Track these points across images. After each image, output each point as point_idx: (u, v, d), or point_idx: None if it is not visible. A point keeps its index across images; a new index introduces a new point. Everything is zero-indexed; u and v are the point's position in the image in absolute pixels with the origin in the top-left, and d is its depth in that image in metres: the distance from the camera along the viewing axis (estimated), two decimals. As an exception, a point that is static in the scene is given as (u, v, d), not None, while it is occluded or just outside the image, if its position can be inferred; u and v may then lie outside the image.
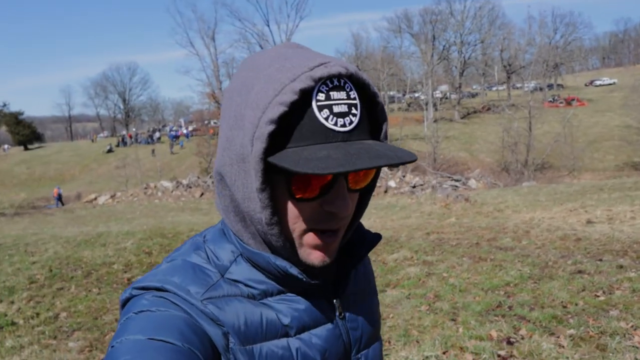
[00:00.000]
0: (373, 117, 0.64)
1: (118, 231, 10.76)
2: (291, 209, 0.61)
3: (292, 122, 0.56)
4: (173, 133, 55.09)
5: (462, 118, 50.29)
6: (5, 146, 62.26)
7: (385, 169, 22.15)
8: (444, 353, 3.50)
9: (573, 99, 50.63)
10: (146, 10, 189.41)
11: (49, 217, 19.69)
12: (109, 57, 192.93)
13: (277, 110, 0.55)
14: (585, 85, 66.21)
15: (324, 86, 0.57)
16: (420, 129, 43.24)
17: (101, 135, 71.64)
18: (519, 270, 5.55)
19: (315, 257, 0.64)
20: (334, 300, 0.73)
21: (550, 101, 50.53)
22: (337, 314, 0.72)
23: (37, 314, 5.25)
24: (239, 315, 0.63)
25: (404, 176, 22.01)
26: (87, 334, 4.66)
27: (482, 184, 22.52)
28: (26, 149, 59.78)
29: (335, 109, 0.57)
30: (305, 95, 0.56)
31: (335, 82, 0.57)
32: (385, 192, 20.08)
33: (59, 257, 8.06)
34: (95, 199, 25.53)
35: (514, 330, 3.84)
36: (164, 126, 70.11)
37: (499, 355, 3.41)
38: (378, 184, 19.95)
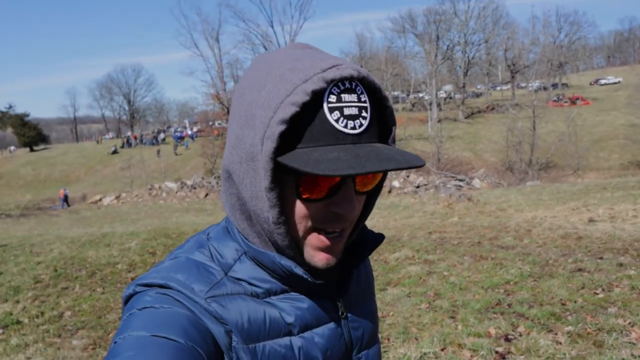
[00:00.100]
0: (382, 120, 0.64)
1: (122, 232, 10.85)
2: (298, 209, 0.61)
3: (303, 123, 0.57)
4: (178, 134, 55.31)
5: (466, 118, 50.19)
6: (12, 148, 62.73)
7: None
8: (442, 350, 3.53)
9: (577, 98, 50.42)
10: (150, 12, 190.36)
11: (54, 218, 19.85)
12: (114, 58, 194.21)
13: (288, 110, 0.55)
14: (590, 84, 65.92)
15: (335, 88, 0.57)
16: (424, 129, 43.20)
17: (106, 136, 72.07)
18: (519, 268, 5.57)
19: (319, 259, 0.64)
20: (337, 300, 0.73)
21: (555, 100, 50.35)
22: (340, 313, 0.73)
23: (42, 313, 5.33)
24: (242, 313, 0.63)
25: (407, 176, 22.03)
26: (91, 332, 4.72)
27: (486, 184, 22.49)
28: (32, 150, 60.20)
29: (346, 111, 0.57)
30: (317, 97, 0.56)
31: (347, 85, 0.57)
32: (389, 192, 20.10)
33: (64, 258, 8.15)
34: (100, 200, 25.70)
35: (513, 328, 3.86)
36: (168, 127, 70.42)
37: (496, 352, 3.44)
38: (381, 184, 19.89)
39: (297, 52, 0.62)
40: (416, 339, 3.77)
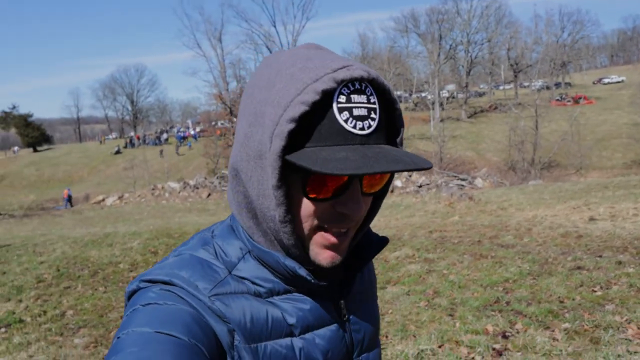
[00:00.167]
0: (391, 122, 0.64)
1: (125, 232, 10.92)
2: (304, 208, 0.61)
3: (312, 122, 0.57)
4: (181, 134, 55.43)
5: (469, 117, 50.11)
6: (15, 148, 63.01)
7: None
8: (439, 347, 3.56)
9: (580, 97, 50.26)
10: (153, 12, 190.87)
11: (57, 219, 19.95)
12: (117, 59, 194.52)
13: (298, 109, 0.55)
14: (594, 83, 65.72)
15: (345, 89, 0.57)
16: (427, 129, 43.15)
17: (109, 136, 72.28)
18: (518, 267, 5.59)
19: (324, 258, 0.64)
20: (340, 302, 0.73)
21: (558, 100, 50.21)
22: (342, 315, 0.73)
23: (44, 312, 5.38)
24: (245, 312, 0.63)
25: (410, 176, 22.02)
26: (93, 330, 4.77)
27: (489, 183, 22.45)
28: (35, 150, 60.44)
29: (355, 112, 0.57)
30: (327, 97, 0.56)
31: (357, 86, 0.58)
32: (392, 191, 20.10)
33: (67, 257, 8.21)
34: (103, 200, 25.80)
35: (510, 325, 3.89)
36: (171, 127, 70.54)
37: (493, 349, 3.47)
38: (383, 184, 19.87)
39: (308, 52, 0.63)
40: (414, 336, 3.79)
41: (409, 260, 6.40)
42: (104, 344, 4.36)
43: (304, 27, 51.48)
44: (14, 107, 64.01)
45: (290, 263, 0.64)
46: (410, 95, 61.24)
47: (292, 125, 0.56)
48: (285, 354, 0.65)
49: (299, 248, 0.63)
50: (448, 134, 35.55)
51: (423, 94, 56.53)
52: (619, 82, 62.45)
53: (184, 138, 53.40)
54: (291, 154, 0.57)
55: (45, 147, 63.43)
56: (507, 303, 4.44)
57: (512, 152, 36.41)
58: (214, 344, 0.60)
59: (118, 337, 0.57)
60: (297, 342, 0.66)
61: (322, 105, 0.56)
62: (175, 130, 63.21)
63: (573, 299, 4.37)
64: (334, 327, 0.71)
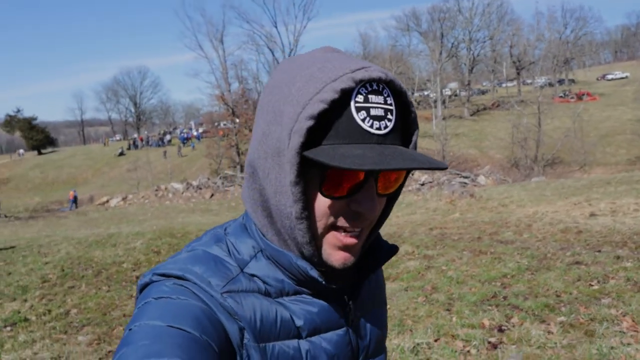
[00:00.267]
0: (405, 125, 0.65)
1: (128, 232, 11.02)
2: (320, 206, 0.62)
3: (330, 120, 0.57)
4: (184, 135, 55.62)
5: (471, 115, 50.02)
6: (21, 151, 63.42)
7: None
8: (435, 340, 3.61)
9: (584, 94, 50.07)
10: (155, 14, 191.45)
11: (62, 220, 20.10)
12: (120, 61, 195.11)
13: (317, 107, 0.56)
14: (597, 79, 65.36)
15: (363, 89, 0.58)
16: (429, 127, 43.13)
17: (113, 138, 72.62)
18: (517, 262, 5.62)
19: (336, 259, 0.64)
20: (347, 307, 0.73)
21: (561, 96, 50.05)
22: (349, 320, 0.73)
23: (49, 311, 5.46)
24: (255, 311, 0.63)
25: (412, 174, 22.04)
26: (96, 328, 4.84)
27: (491, 181, 22.44)
28: (40, 153, 60.79)
29: (372, 112, 0.58)
30: (345, 95, 0.57)
31: (374, 86, 0.59)
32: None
33: (71, 258, 8.31)
34: (108, 201, 25.97)
35: (506, 319, 3.93)
36: (174, 129, 70.81)
37: (489, 342, 3.51)
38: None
39: (326, 55, 0.64)
40: (411, 330, 3.85)
41: (409, 257, 6.45)
42: (107, 341, 4.43)
43: (305, 27, 51.54)
44: (18, 111, 64.50)
45: (303, 264, 0.64)
46: (412, 93, 61.09)
47: (310, 123, 0.56)
48: (292, 355, 0.65)
49: (313, 246, 0.64)
50: (450, 132, 35.54)
51: (425, 93, 56.47)
52: (622, 78, 62.08)
53: (187, 139, 53.59)
54: (309, 150, 0.58)
55: (50, 149, 63.79)
56: (505, 298, 4.49)
57: (515, 150, 36.34)
58: (224, 340, 0.60)
59: (130, 329, 0.58)
60: (304, 344, 0.67)
61: (340, 104, 0.57)
62: (178, 131, 63.45)
63: (570, 293, 4.41)
64: (341, 331, 0.71)
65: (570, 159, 35.28)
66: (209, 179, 26.75)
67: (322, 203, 0.61)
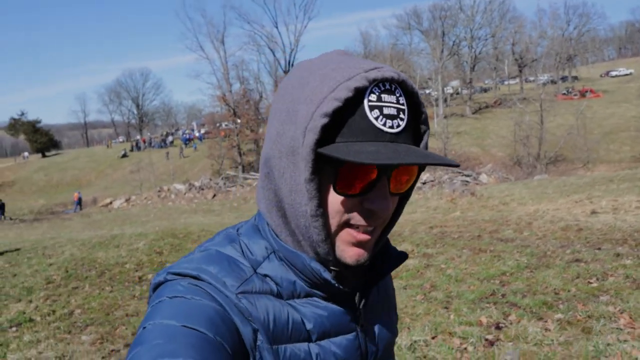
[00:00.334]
0: (416, 125, 0.66)
1: (131, 233, 11.09)
2: (334, 203, 0.62)
3: (344, 118, 0.58)
4: (186, 136, 55.75)
5: (473, 113, 49.88)
6: (25, 154, 63.76)
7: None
8: (432, 338, 3.64)
9: (587, 91, 49.86)
10: (157, 15, 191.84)
11: (66, 222, 20.22)
12: (122, 63, 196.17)
13: (331, 104, 0.57)
14: (601, 76, 65.02)
15: (376, 88, 0.59)
16: (431, 126, 42.96)
17: (116, 140, 72.88)
18: (516, 260, 5.65)
19: (350, 256, 0.64)
20: (357, 312, 0.73)
21: (564, 94, 49.84)
22: (358, 325, 0.73)
23: (53, 311, 5.53)
24: (268, 312, 0.63)
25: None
26: (99, 328, 4.90)
27: (494, 179, 22.42)
28: (44, 156, 61.09)
29: (385, 111, 0.59)
30: (359, 94, 0.58)
31: (387, 86, 0.60)
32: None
33: (75, 259, 8.39)
34: (111, 203, 26.09)
35: (504, 316, 3.96)
36: (177, 130, 70.99)
37: (486, 339, 3.55)
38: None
39: (339, 57, 0.65)
40: (408, 328, 3.88)
41: (408, 256, 6.48)
42: (109, 340, 4.49)
43: (306, 27, 51.68)
44: (22, 114, 64.86)
45: (316, 265, 0.64)
46: (415, 92, 60.86)
47: (325, 120, 0.57)
48: (303, 358, 0.65)
49: (328, 244, 0.64)
50: (452, 130, 35.48)
51: (427, 91, 56.42)
52: (627, 74, 61.71)
53: (189, 140, 53.72)
54: (323, 147, 0.59)
55: (54, 152, 64.11)
56: (503, 295, 4.51)
57: (518, 147, 36.22)
58: (237, 342, 0.60)
59: (144, 328, 0.58)
60: (314, 347, 0.67)
61: (354, 103, 0.58)
62: (180, 132, 63.59)
63: (568, 291, 4.43)
64: (350, 336, 0.71)
65: (574, 157, 35.15)
66: (211, 179, 26.84)
67: (336, 201, 0.62)
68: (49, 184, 47.81)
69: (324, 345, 0.67)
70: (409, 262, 6.02)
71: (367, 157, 0.54)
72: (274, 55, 45.61)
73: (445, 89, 51.30)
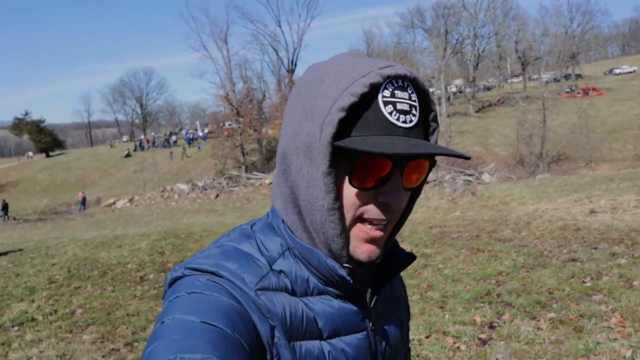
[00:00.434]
0: (426, 122, 0.68)
1: (134, 233, 11.18)
2: (349, 197, 0.63)
3: (359, 113, 0.60)
4: (189, 136, 55.89)
5: (476, 112, 49.78)
6: (29, 153, 64.11)
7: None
8: (426, 337, 3.70)
9: (590, 89, 49.65)
10: (161, 15, 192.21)
11: (70, 222, 20.36)
12: (126, 63, 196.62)
13: (348, 99, 0.59)
14: (605, 74, 64.66)
15: (390, 85, 0.61)
16: (434, 124, 42.88)
17: (120, 140, 73.15)
18: (513, 260, 5.69)
19: (362, 252, 0.66)
20: (369, 311, 0.73)
21: (568, 92, 49.65)
22: (369, 324, 0.73)
23: (55, 311, 5.61)
24: (285, 309, 0.64)
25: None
26: (100, 327, 4.98)
27: (496, 178, 22.39)
28: (48, 156, 61.36)
29: (399, 106, 0.61)
30: (374, 90, 0.60)
31: (400, 83, 0.62)
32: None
33: (77, 259, 8.48)
34: (114, 203, 26.23)
35: (498, 316, 4.01)
36: (180, 129, 71.16)
37: (479, 339, 3.60)
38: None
39: (352, 57, 0.67)
40: (403, 327, 3.93)
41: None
42: (110, 339, 4.57)
43: (309, 26, 51.66)
44: (26, 114, 65.15)
45: (331, 262, 0.65)
46: (417, 91, 60.74)
47: (342, 114, 0.59)
48: (317, 355, 0.66)
49: (343, 238, 0.65)
50: (455, 129, 35.44)
51: (430, 90, 56.20)
52: (630, 72, 61.31)
53: (193, 140, 53.86)
54: (340, 140, 0.61)
55: (58, 152, 64.38)
56: (498, 295, 4.56)
57: (520, 146, 36.15)
58: (255, 339, 0.61)
59: (162, 322, 0.58)
60: (325, 345, 0.67)
61: (369, 98, 0.60)
62: (184, 132, 63.74)
63: (562, 290, 4.47)
64: (361, 335, 0.71)
65: (576, 156, 35.05)
66: (214, 179, 26.92)
67: (351, 194, 0.63)
68: (53, 183, 48.08)
69: (334, 343, 0.68)
70: (406, 262, 6.07)
71: (384, 148, 0.57)
72: (277, 55, 45.75)
73: (448, 87, 51.21)
